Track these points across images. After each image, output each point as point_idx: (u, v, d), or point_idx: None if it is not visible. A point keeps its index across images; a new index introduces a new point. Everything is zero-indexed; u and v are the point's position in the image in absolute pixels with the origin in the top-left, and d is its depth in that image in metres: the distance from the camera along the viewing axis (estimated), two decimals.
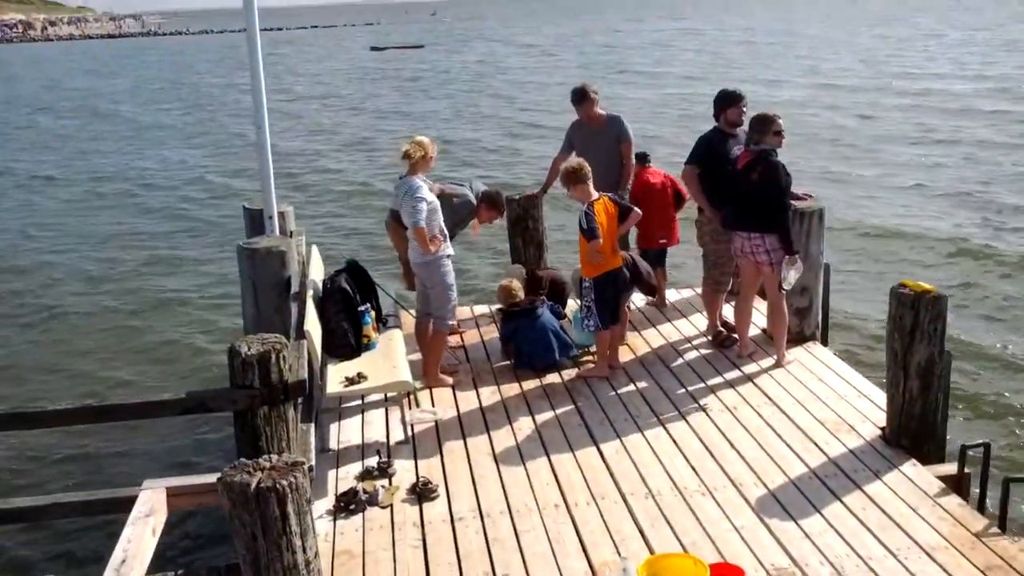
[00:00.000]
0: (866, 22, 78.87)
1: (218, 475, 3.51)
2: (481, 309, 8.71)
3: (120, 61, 75.28)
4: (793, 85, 34.74)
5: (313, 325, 5.97)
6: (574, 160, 6.90)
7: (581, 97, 8.06)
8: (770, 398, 6.53)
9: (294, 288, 6.48)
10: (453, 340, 7.68)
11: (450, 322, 6.92)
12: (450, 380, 6.91)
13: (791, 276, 6.79)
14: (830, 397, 6.53)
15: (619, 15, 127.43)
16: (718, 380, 6.88)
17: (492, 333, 7.95)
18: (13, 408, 4.75)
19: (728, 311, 7.88)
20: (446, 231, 6.70)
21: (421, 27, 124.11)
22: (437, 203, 6.59)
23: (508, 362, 7.29)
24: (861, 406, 6.38)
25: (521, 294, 7.65)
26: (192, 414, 4.81)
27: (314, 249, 7.47)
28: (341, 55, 71.31)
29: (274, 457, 3.65)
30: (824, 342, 7.69)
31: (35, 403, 9.09)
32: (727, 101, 7.23)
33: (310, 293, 6.40)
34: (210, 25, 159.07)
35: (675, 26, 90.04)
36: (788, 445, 5.83)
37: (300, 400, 5.24)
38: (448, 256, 6.72)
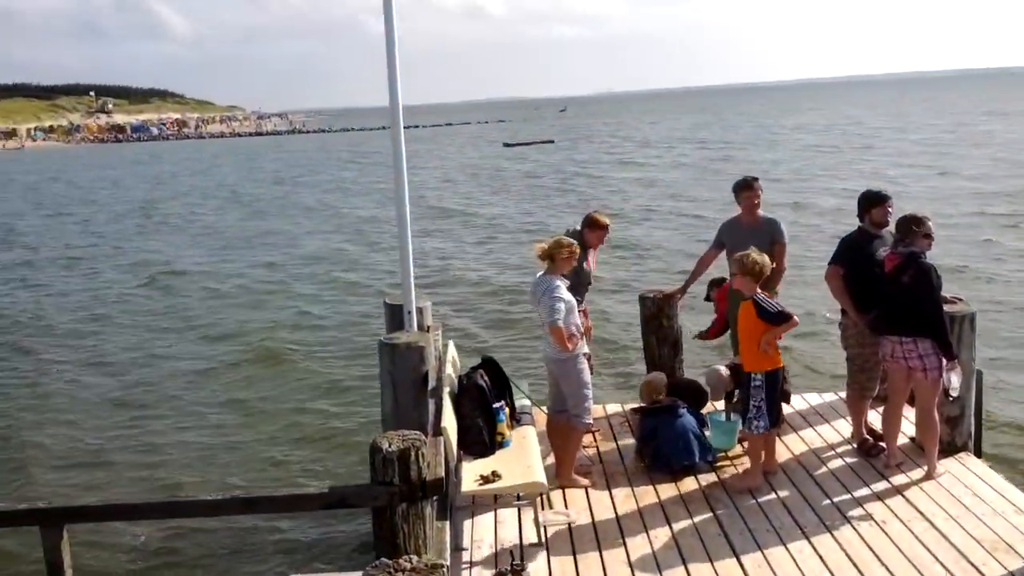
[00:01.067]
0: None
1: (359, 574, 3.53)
2: (614, 408, 8.61)
3: (265, 155, 79.52)
4: (920, 177, 33.84)
5: (450, 422, 6.02)
6: (758, 255, 6.61)
7: (744, 186, 7.84)
8: (921, 512, 6.18)
9: (431, 383, 6.57)
10: (586, 440, 7.61)
11: (588, 421, 6.87)
12: (584, 481, 6.81)
13: (955, 382, 6.49)
14: (986, 513, 6.13)
15: (737, 113, 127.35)
16: (865, 491, 6.56)
17: (626, 434, 7.84)
18: (168, 497, 4.94)
19: (874, 417, 7.57)
20: (582, 329, 6.70)
21: (551, 124, 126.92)
22: (575, 303, 6.62)
23: (643, 464, 7.15)
24: (1020, 523, 5.96)
25: (664, 392, 7.55)
26: (334, 509, 4.89)
27: (450, 344, 7.57)
28: (475, 151, 73.40)
29: (414, 558, 3.65)
30: (977, 453, 7.27)
31: (170, 480, 9.51)
32: (873, 201, 7.07)
33: (446, 389, 6.48)
34: (351, 123, 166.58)
35: (800, 121, 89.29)
36: (942, 564, 5.47)
37: (436, 497, 5.26)
38: (584, 354, 6.71)
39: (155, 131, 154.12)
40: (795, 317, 6.46)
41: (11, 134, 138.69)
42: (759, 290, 6.51)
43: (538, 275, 6.72)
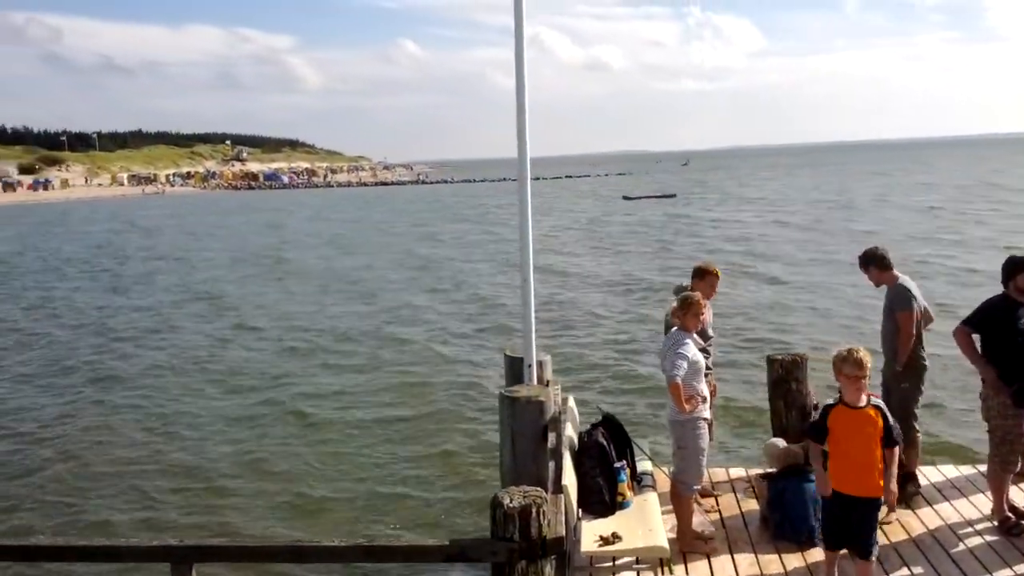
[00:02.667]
0: None
1: None
2: (737, 472, 8.37)
3: (390, 203, 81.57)
4: None
5: (570, 479, 5.96)
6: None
7: (867, 261, 7.64)
8: None
9: (551, 439, 6.52)
10: (708, 504, 7.41)
11: (695, 488, 6.71)
12: (705, 548, 6.63)
13: None
14: None
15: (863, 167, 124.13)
16: (1006, 572, 6.17)
17: (750, 500, 7.60)
18: (293, 542, 5.01)
19: (1016, 494, 7.13)
20: (705, 394, 6.57)
21: (673, 177, 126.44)
22: (701, 364, 6.50)
23: (768, 532, 6.91)
24: None
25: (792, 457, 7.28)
26: (453, 562, 4.88)
27: (570, 399, 7.52)
28: (594, 204, 73.60)
29: None
30: None
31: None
32: (1018, 267, 6.75)
33: (566, 445, 6.42)
34: (472, 175, 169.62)
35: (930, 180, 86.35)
36: None
37: (555, 556, 5.19)
38: (704, 419, 6.58)
39: (285, 179, 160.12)
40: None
41: (152, 179, 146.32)
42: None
43: (671, 329, 6.66)
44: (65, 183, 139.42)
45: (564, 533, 5.02)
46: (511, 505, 4.72)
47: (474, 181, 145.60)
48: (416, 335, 20.96)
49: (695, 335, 6.63)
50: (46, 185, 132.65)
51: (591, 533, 5.99)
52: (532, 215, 6.87)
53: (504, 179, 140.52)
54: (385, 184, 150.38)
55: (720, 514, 7.38)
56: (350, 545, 4.90)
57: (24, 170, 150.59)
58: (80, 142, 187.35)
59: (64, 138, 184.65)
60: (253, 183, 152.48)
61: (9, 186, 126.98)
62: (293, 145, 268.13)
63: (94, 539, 5.90)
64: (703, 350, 6.90)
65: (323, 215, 71.97)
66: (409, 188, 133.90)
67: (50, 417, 15.03)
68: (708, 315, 7.55)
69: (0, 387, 17.34)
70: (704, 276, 7.60)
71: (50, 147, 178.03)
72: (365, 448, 12.95)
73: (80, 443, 13.56)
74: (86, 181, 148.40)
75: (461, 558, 4.90)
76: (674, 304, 6.57)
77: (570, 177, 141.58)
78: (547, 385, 7.43)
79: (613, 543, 5.86)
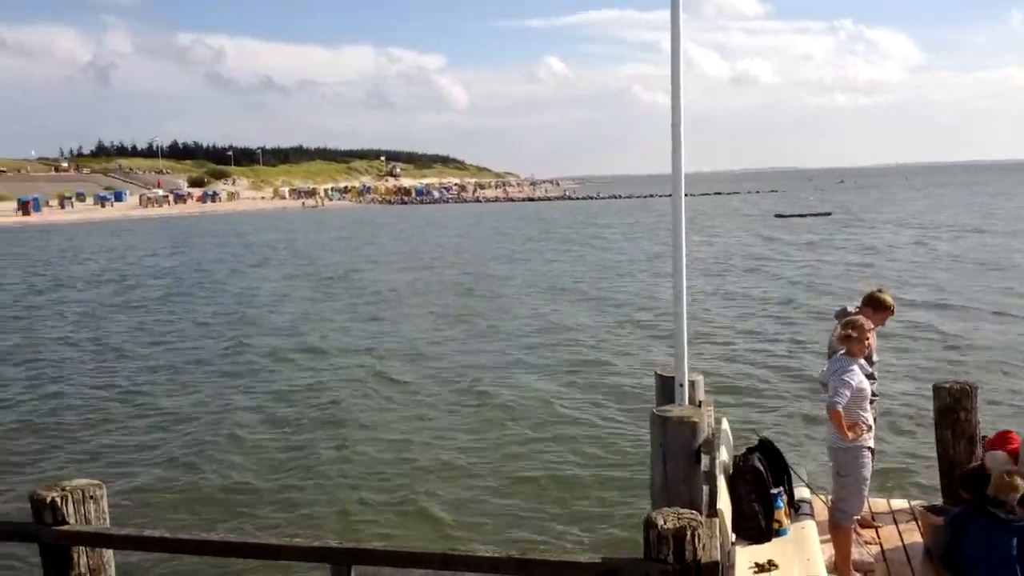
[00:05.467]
0: None
1: None
2: (899, 504, 7.99)
3: (543, 219, 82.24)
4: None
5: (725, 503, 5.83)
6: None
7: None
8: None
9: (704, 462, 6.39)
10: (868, 535, 7.11)
11: (855, 517, 6.44)
12: None
13: None
14: None
15: None
16: None
17: (912, 533, 7.24)
18: (447, 549, 5.09)
19: None
20: (871, 423, 6.32)
21: (827, 195, 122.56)
22: (867, 391, 6.26)
23: (931, 566, 6.56)
24: None
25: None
26: None
27: (724, 421, 7.36)
28: (744, 221, 72.12)
29: None
30: None
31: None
32: None
33: (720, 469, 6.28)
34: (618, 191, 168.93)
35: None
36: None
37: None
38: (868, 448, 6.32)
39: (436, 194, 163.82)
40: None
41: (312, 193, 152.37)
42: None
43: (836, 353, 6.45)
44: (232, 196, 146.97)
45: (718, 558, 4.91)
46: (665, 527, 4.65)
47: (620, 197, 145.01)
48: (567, 346, 21.06)
49: (862, 361, 6.39)
50: (214, 197, 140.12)
51: (746, 559, 5.83)
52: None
53: (652, 195, 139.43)
54: (532, 200, 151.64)
55: (881, 546, 7.07)
56: (502, 556, 4.91)
57: (194, 183, 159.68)
58: (245, 157, 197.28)
59: (231, 153, 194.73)
60: (405, 198, 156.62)
61: (180, 198, 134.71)
62: (444, 161, 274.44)
63: (261, 536, 6.15)
64: (869, 376, 6.63)
65: (504, 230, 73.11)
66: (557, 204, 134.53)
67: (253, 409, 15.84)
68: (873, 340, 7.25)
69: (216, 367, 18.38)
70: (878, 308, 7.25)
71: (217, 161, 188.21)
72: (508, 457, 13.07)
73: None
74: (251, 194, 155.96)
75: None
76: (839, 329, 6.35)
77: (719, 194, 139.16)
78: (699, 406, 7.31)
79: (769, 571, 5.68)
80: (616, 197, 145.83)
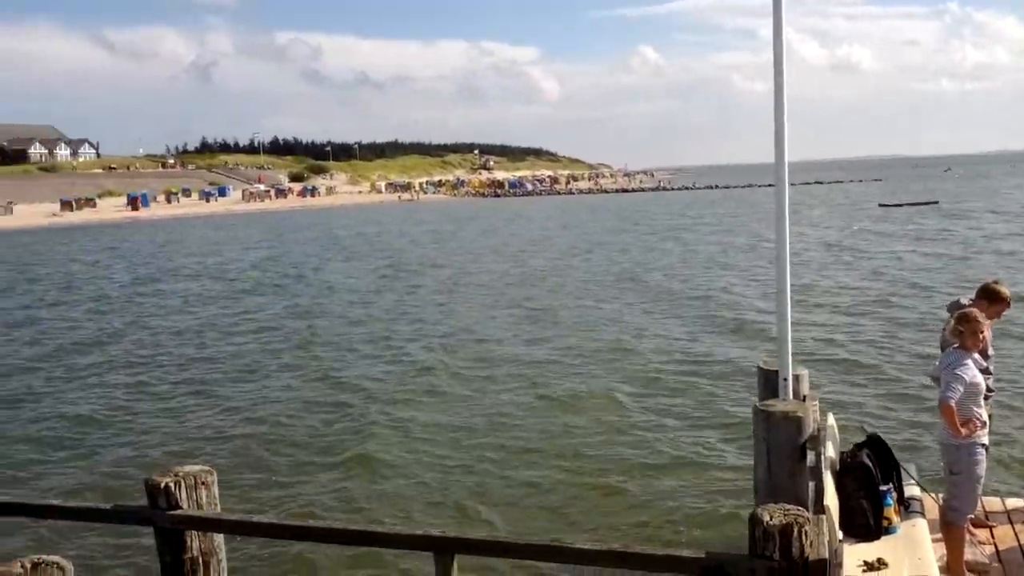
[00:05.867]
0: None
1: None
2: (1015, 503, 7.69)
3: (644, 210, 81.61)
4: None
5: (832, 500, 5.69)
6: None
7: None
8: None
9: (810, 457, 6.25)
10: (981, 535, 6.86)
11: (968, 515, 6.21)
12: None
13: None
14: None
15: None
16: None
17: None
18: (548, 540, 5.09)
19: None
20: (985, 419, 6.08)
21: (933, 183, 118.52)
22: (981, 387, 6.03)
23: None
24: None
25: None
26: None
27: (830, 417, 7.18)
28: (847, 210, 70.24)
29: None
30: None
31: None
32: None
33: (827, 465, 6.13)
34: (714, 181, 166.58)
35: None
36: None
37: None
38: (982, 445, 6.09)
39: (529, 187, 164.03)
40: None
41: (408, 187, 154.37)
42: None
43: (950, 347, 6.24)
44: (330, 190, 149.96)
45: (826, 556, 4.79)
46: (771, 523, 4.55)
47: (716, 187, 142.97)
48: (663, 338, 20.87)
49: (976, 355, 6.15)
50: (313, 192, 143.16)
51: (854, 557, 5.69)
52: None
53: (749, 185, 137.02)
54: (626, 191, 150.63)
55: (996, 546, 6.81)
56: (603, 549, 4.89)
57: (294, 178, 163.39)
58: (343, 152, 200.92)
59: (328, 148, 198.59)
60: (499, 190, 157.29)
61: (281, 192, 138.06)
62: (537, 153, 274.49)
63: (365, 524, 6.26)
64: (984, 371, 6.39)
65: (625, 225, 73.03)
66: (651, 195, 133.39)
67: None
68: (988, 334, 6.97)
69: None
70: (993, 300, 6.98)
71: (316, 157, 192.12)
72: (608, 448, 13.03)
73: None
74: (349, 188, 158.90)
75: (716, 572, 4.78)
76: (951, 322, 6.13)
77: (820, 183, 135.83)
78: (804, 400, 7.14)
79: (879, 569, 5.54)
80: (712, 187, 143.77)
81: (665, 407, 15.20)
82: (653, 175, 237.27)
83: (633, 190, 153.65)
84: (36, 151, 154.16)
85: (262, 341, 23.20)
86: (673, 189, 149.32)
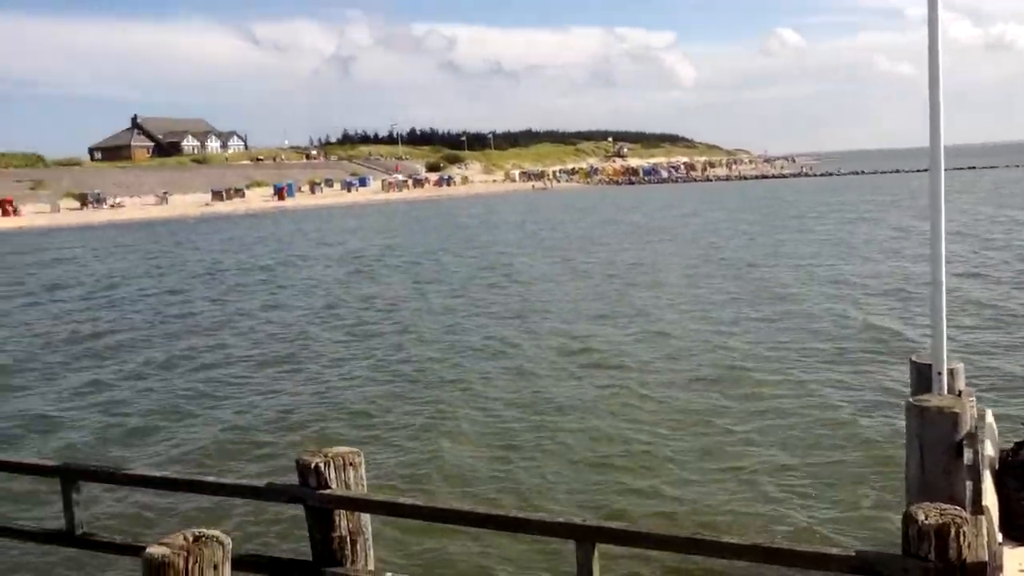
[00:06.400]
0: None
1: None
2: None
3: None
4: None
5: (991, 500, 5.43)
6: None
7: None
8: None
9: (967, 455, 5.98)
10: None
11: None
12: None
13: None
14: None
15: None
16: None
17: None
18: (692, 533, 5.04)
19: None
20: None
21: None
22: None
23: None
24: None
25: None
26: (857, 575, 4.62)
27: (988, 413, 6.84)
28: (1004, 199, 66.47)
29: None
30: None
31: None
32: None
33: (985, 464, 5.85)
34: (859, 166, 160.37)
35: None
36: None
37: None
38: None
39: (664, 174, 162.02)
40: None
41: (541, 175, 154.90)
42: None
43: None
44: (465, 179, 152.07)
45: (985, 558, 4.57)
46: (927, 522, 4.38)
47: (863, 173, 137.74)
48: (808, 325, 20.37)
49: None
50: (449, 181, 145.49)
51: (1015, 561, 5.42)
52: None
53: (896, 171, 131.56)
54: (766, 177, 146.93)
55: None
56: (749, 544, 4.81)
57: (431, 168, 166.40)
58: (477, 141, 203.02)
59: (464, 138, 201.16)
60: (633, 178, 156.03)
61: (418, 182, 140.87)
62: (672, 140, 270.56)
63: (509, 509, 6.35)
64: None
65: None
66: (791, 181, 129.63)
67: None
68: None
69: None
70: None
71: (452, 146, 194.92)
72: (746, 443, 12.80)
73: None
74: (483, 177, 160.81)
75: (867, 571, 4.63)
76: None
77: (972, 168, 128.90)
78: (959, 396, 6.83)
79: None
80: (858, 173, 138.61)
81: (817, 400, 14.83)
82: (794, 160, 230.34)
83: (773, 176, 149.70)
84: (189, 144, 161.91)
85: (404, 328, 23.78)
86: (816, 175, 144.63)
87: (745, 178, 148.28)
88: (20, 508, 11.08)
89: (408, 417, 14.94)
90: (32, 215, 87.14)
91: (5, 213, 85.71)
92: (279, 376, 18.51)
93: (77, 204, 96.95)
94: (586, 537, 5.02)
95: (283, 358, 20.30)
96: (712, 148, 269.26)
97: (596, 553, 5.03)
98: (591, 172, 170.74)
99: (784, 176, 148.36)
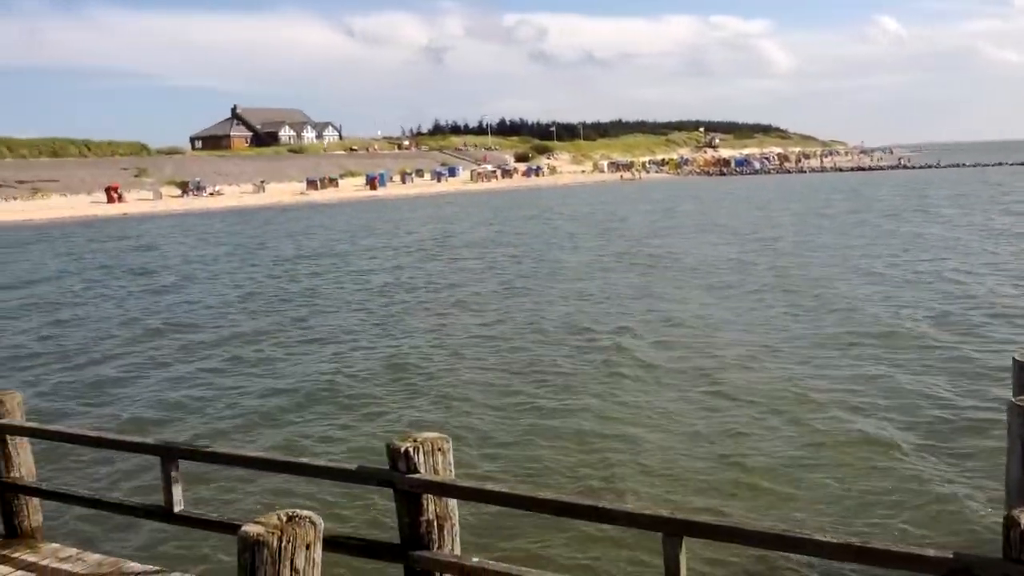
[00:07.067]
0: None
1: None
2: None
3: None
4: None
5: None
6: None
7: None
8: None
9: None
10: None
11: None
12: None
13: None
14: None
15: None
16: None
17: None
18: (782, 530, 4.96)
19: None
20: None
21: None
22: None
23: None
24: None
25: None
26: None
27: None
28: None
29: None
30: None
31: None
32: None
33: None
34: (961, 159, 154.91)
35: None
36: None
37: None
38: None
39: (757, 165, 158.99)
40: None
41: (629, 166, 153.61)
42: None
43: None
44: (553, 170, 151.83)
45: None
46: None
47: (964, 165, 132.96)
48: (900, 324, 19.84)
49: None
50: (537, 172, 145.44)
51: None
52: None
53: (999, 163, 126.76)
54: (862, 169, 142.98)
55: None
56: (840, 542, 4.71)
57: (519, 158, 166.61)
58: (567, 132, 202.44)
59: (553, 128, 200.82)
60: (724, 169, 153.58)
61: (507, 172, 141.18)
62: (765, 130, 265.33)
63: (596, 499, 6.35)
64: None
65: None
66: (889, 173, 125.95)
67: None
68: None
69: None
70: None
71: (541, 137, 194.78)
72: (845, 443, 12.56)
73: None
74: (572, 168, 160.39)
75: (965, 575, 4.50)
76: None
77: None
78: None
79: None
80: (959, 165, 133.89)
81: (912, 398, 14.46)
82: (892, 152, 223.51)
83: (870, 168, 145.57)
84: (285, 134, 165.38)
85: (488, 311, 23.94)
86: (915, 167, 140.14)
87: (841, 169, 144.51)
88: (122, 484, 11.56)
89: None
90: (136, 201, 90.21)
91: (111, 199, 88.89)
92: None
93: (178, 191, 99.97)
94: (674, 530, 4.99)
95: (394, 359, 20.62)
96: (807, 139, 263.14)
97: (684, 547, 5.00)
98: (681, 163, 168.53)
99: (882, 168, 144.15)
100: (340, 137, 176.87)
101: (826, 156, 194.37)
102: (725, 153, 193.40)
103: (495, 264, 36.13)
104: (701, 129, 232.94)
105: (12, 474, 7.59)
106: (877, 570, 4.82)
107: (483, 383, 16.50)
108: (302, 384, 17.07)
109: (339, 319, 24.33)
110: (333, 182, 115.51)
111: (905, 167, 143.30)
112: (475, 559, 5.87)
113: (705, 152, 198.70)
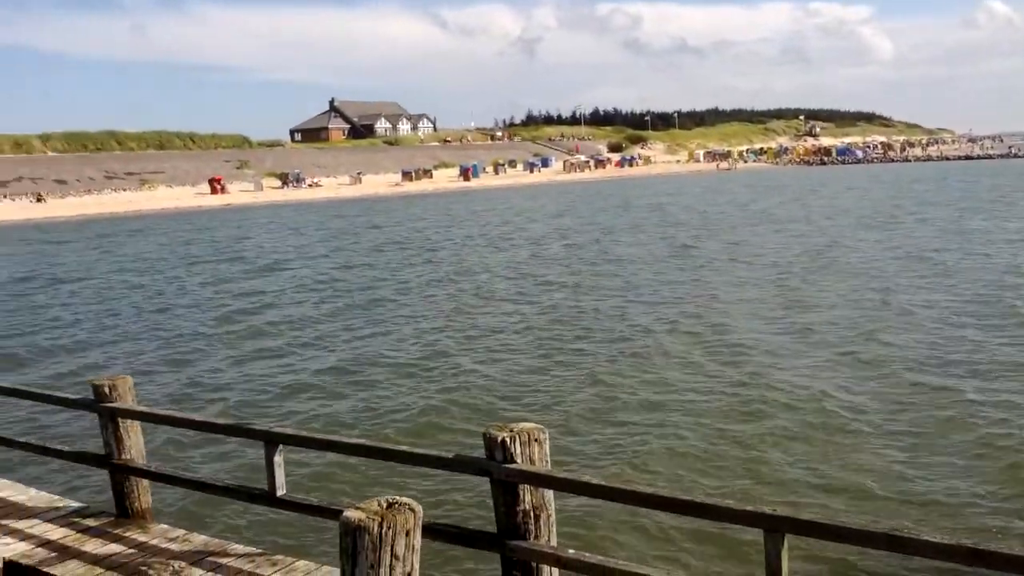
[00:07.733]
0: None
1: None
2: None
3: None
4: None
5: None
6: None
7: None
8: None
9: None
10: None
11: None
12: None
13: None
14: None
15: None
16: None
17: None
18: (890, 529, 4.79)
19: None
20: None
21: None
22: None
23: None
24: None
25: None
26: None
27: None
28: None
29: None
30: None
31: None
32: None
33: None
34: None
35: None
36: None
37: None
38: None
39: (859, 154, 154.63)
40: None
41: (726, 155, 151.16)
42: None
43: None
44: (647, 160, 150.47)
45: None
46: None
47: None
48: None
49: None
50: (631, 162, 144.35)
51: None
52: None
53: None
54: (970, 158, 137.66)
55: None
56: (953, 543, 4.53)
57: (612, 148, 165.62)
58: (661, 121, 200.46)
59: (648, 118, 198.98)
60: (825, 158, 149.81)
61: (600, 163, 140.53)
62: (868, 119, 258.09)
63: (696, 495, 6.25)
64: None
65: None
66: (1000, 162, 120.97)
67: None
68: None
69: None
70: None
71: (635, 126, 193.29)
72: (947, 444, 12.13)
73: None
74: (666, 158, 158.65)
75: None
76: None
77: None
78: None
79: None
80: None
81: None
82: (1002, 140, 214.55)
83: (979, 157, 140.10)
84: (381, 126, 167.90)
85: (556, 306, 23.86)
86: None
87: (948, 158, 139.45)
88: (219, 466, 11.88)
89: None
90: (238, 193, 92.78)
91: (214, 191, 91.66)
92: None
93: (278, 183, 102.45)
94: (775, 527, 4.88)
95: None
96: (911, 127, 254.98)
97: (786, 544, 4.88)
98: (780, 152, 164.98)
99: (991, 157, 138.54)
100: (434, 129, 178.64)
101: (931, 145, 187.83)
102: (826, 142, 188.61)
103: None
104: (801, 117, 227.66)
105: (124, 456, 7.85)
106: (991, 573, 4.59)
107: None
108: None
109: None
110: (427, 173, 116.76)
111: (1016, 156, 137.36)
112: (571, 551, 5.83)
113: (805, 140, 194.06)
